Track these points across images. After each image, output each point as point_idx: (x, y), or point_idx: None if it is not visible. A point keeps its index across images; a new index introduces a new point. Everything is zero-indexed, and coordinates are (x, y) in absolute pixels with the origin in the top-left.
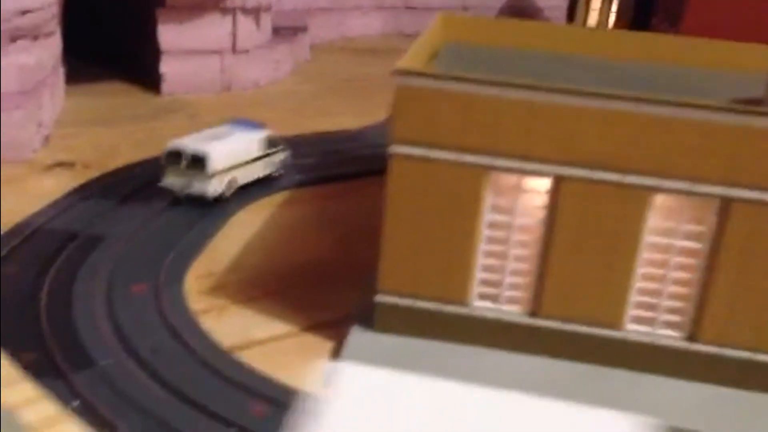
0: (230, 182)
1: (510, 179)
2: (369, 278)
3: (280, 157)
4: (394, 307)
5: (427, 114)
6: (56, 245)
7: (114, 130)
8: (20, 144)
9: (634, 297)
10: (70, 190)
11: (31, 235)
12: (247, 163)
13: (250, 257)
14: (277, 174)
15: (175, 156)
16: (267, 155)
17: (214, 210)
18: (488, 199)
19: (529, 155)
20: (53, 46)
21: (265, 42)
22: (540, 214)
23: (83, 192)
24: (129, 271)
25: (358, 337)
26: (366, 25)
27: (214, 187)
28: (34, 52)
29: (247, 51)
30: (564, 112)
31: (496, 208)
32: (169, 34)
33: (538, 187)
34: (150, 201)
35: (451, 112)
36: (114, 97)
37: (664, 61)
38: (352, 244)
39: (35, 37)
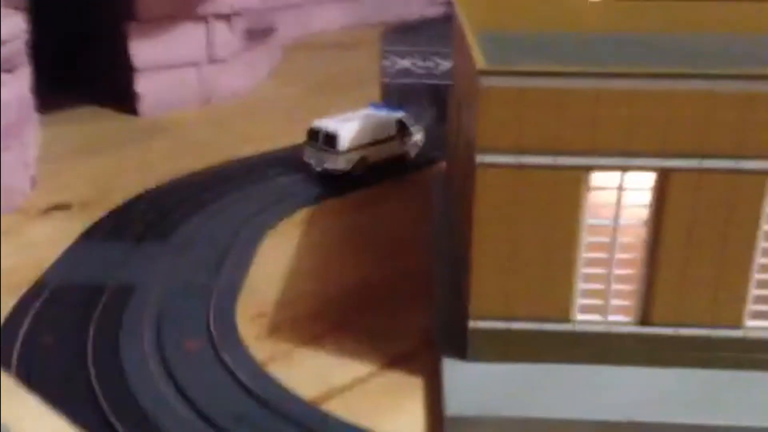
0: (361, 160)
1: (611, 178)
2: (438, 298)
3: (414, 138)
4: (489, 333)
5: (516, 116)
6: (85, 303)
7: (101, 161)
8: (11, 191)
9: (753, 291)
10: (77, 236)
11: (53, 294)
12: (379, 143)
13: (296, 287)
14: (412, 155)
15: (314, 135)
16: (400, 136)
17: (239, 239)
18: (588, 202)
19: (631, 150)
20: (28, 76)
21: (240, 48)
22: (645, 213)
23: (92, 237)
24: (174, 324)
25: (453, 370)
26: (328, 18)
27: (344, 164)
28: (13, 86)
29: (224, 60)
30: (667, 98)
31: (597, 211)
32: (142, 50)
33: (642, 184)
34: (167, 238)
35: (543, 111)
36: (89, 123)
37: (697, 29)
38: (396, 258)
39: (10, 70)
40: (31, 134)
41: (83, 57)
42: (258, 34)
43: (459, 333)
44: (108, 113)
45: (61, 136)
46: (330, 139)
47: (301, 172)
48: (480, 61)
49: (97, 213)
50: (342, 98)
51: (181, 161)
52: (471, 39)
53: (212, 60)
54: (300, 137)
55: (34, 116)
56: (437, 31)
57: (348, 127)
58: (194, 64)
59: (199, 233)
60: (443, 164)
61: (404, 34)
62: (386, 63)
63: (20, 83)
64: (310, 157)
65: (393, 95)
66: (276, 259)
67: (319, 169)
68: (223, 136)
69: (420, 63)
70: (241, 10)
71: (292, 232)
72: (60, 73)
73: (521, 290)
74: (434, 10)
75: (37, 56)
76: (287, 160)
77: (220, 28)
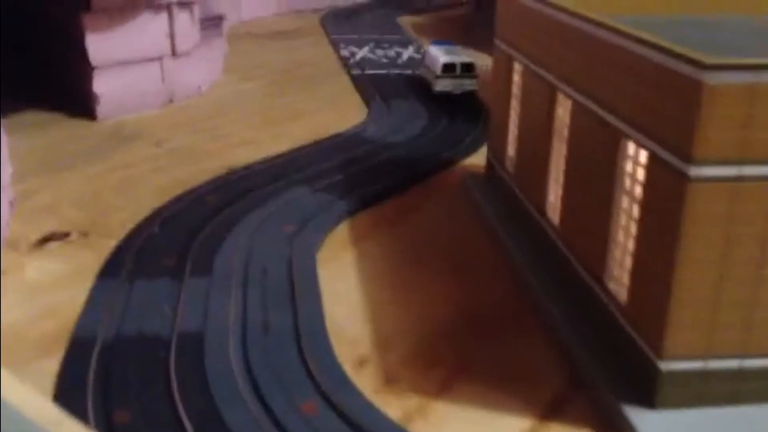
0: (476, 83)
1: None
2: (563, 328)
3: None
4: (683, 374)
5: (743, 119)
6: (151, 362)
7: (78, 176)
8: None
9: None
10: (94, 274)
11: (105, 354)
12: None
13: (383, 322)
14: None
15: (450, 67)
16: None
17: (292, 267)
18: None
19: None
20: None
21: (199, 39)
22: None
23: (114, 274)
24: (273, 379)
25: (644, 422)
26: (260, 6)
27: (477, 85)
28: None
29: (187, 53)
30: None
31: None
32: (99, 45)
33: None
34: (207, 270)
35: None
36: (49, 129)
37: None
38: (473, 278)
39: None
40: (3, 150)
41: (30, 54)
42: (209, 24)
43: (617, 371)
44: (62, 118)
45: (20, 148)
46: (468, 67)
47: (312, 181)
48: (697, 54)
49: (105, 242)
50: (311, 92)
51: (173, 172)
52: (618, 25)
53: (175, 53)
54: (292, 137)
55: (2, 128)
56: (376, 18)
57: (471, 58)
58: (157, 58)
59: (242, 261)
60: (465, 164)
61: (345, 20)
62: (344, 53)
63: None
64: (448, 86)
65: (369, 88)
66: (344, 290)
67: (458, 92)
68: (207, 142)
69: (379, 52)
70: None
71: (343, 254)
72: (3, 72)
73: (726, 322)
74: None
75: None
76: (291, 168)
77: (182, 18)
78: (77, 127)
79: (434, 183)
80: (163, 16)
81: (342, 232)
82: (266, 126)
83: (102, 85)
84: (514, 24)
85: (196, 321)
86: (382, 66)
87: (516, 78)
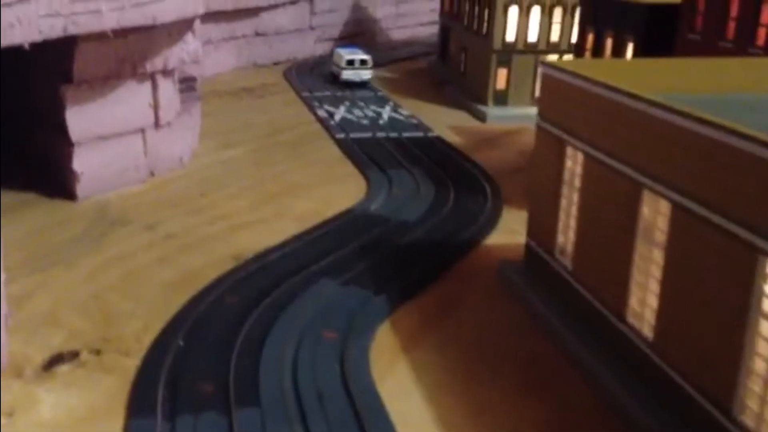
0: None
1: None
2: None
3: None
4: None
5: None
6: None
7: (75, 272)
8: None
9: None
10: (124, 408)
11: None
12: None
13: None
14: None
15: (351, 62)
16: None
17: (349, 392)
18: None
19: None
20: None
21: (179, 107)
22: None
23: (148, 409)
24: None
25: None
26: (220, 61)
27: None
28: None
29: (169, 123)
30: None
31: None
32: (79, 119)
33: None
34: (258, 401)
35: None
36: (28, 213)
37: None
38: (546, 394)
39: None
40: None
41: (8, 131)
42: (184, 87)
43: None
44: (39, 199)
45: (7, 236)
46: (364, 62)
47: (335, 273)
48: None
49: (123, 362)
50: (300, 160)
51: (177, 263)
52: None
53: (158, 124)
54: (299, 220)
55: None
56: None
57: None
58: (139, 130)
59: (291, 383)
60: (488, 244)
61: (308, 74)
62: (321, 113)
63: None
64: (350, 75)
65: (360, 155)
66: (412, 412)
67: (358, 80)
68: (205, 224)
69: (357, 112)
70: (196, 58)
71: (397, 365)
72: None
73: None
74: (323, 48)
75: None
76: (307, 257)
77: (166, 86)
78: (58, 209)
79: (465, 269)
80: (147, 86)
81: (386, 334)
82: (264, 203)
83: (82, 162)
84: (565, 106)
85: None
86: (364, 128)
87: (571, 164)
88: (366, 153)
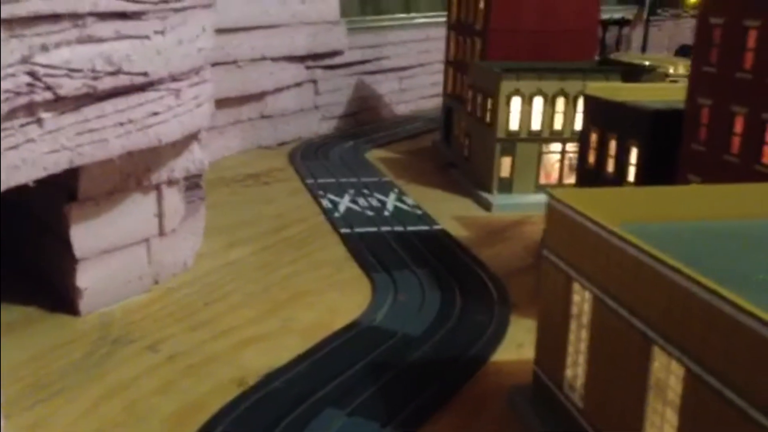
0: None
1: None
2: None
3: None
4: None
5: None
6: None
7: (78, 404)
8: None
9: None
10: None
11: None
12: None
13: None
14: None
15: None
16: None
17: None
18: None
19: None
20: None
21: (184, 213)
22: None
23: None
24: None
25: None
26: (225, 144)
27: None
28: None
29: (173, 230)
30: None
31: None
32: (84, 236)
33: None
34: None
35: None
36: (30, 333)
37: None
38: None
39: None
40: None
41: (13, 246)
42: (190, 185)
43: None
44: (41, 315)
45: (5, 362)
46: None
47: (341, 400)
48: None
49: None
50: (306, 261)
51: (180, 391)
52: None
53: (163, 233)
54: (296, 336)
55: None
56: (345, 154)
57: None
58: (143, 241)
59: None
60: (496, 362)
61: (314, 157)
62: (326, 203)
63: None
64: None
65: (364, 253)
66: None
67: None
68: (209, 341)
69: (361, 201)
70: (201, 168)
71: None
72: None
73: None
74: (327, 126)
75: None
76: (313, 381)
77: (171, 196)
78: (60, 326)
79: (474, 394)
80: (152, 196)
81: None
82: (270, 313)
83: (85, 278)
84: (572, 242)
85: None
86: (369, 221)
87: (578, 300)
88: (371, 250)
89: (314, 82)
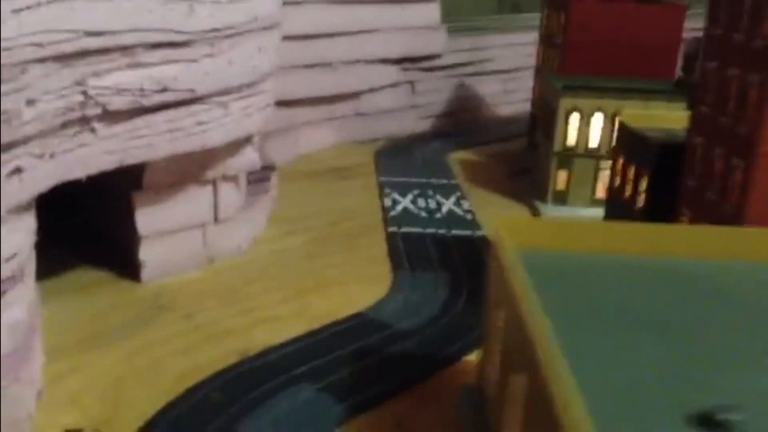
0: None
1: None
2: None
3: None
4: None
5: None
6: None
7: (110, 355)
8: (16, 422)
9: None
10: None
11: None
12: None
13: None
14: None
15: None
16: None
17: None
18: None
19: None
20: (32, 287)
21: (243, 203)
22: None
23: None
24: None
25: None
26: (319, 139)
27: None
28: (23, 299)
29: (229, 218)
30: None
31: None
32: (147, 218)
33: None
34: None
35: None
36: (95, 294)
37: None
38: None
39: (17, 281)
40: (36, 343)
41: (90, 223)
42: (257, 178)
43: None
44: (110, 279)
45: (67, 314)
46: None
47: (316, 377)
48: None
49: None
50: (347, 255)
51: (196, 354)
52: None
53: (218, 220)
54: (306, 320)
55: (38, 321)
56: (428, 154)
57: None
58: (200, 226)
59: None
60: (467, 366)
61: (396, 156)
62: (387, 201)
63: (30, 293)
64: None
65: (400, 252)
66: None
67: None
68: (233, 316)
69: (420, 202)
70: (253, 166)
71: None
72: (67, 235)
73: None
74: (423, 125)
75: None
76: (300, 359)
77: (227, 189)
78: (122, 291)
79: (435, 386)
80: (209, 189)
81: None
82: (293, 298)
83: (147, 252)
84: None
85: None
86: (419, 222)
87: (497, 316)
88: (407, 251)
89: (411, 83)
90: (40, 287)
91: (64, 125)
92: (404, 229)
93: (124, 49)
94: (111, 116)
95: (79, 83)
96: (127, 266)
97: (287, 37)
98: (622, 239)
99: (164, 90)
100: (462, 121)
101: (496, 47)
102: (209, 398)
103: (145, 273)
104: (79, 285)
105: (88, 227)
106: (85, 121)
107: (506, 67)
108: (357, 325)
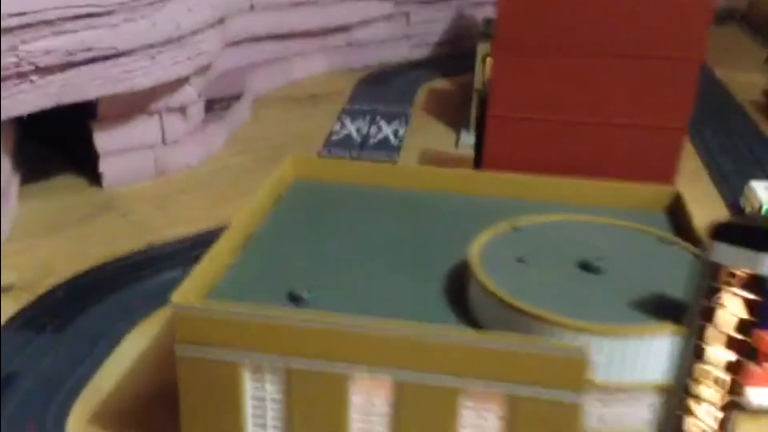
0: None
1: None
2: None
3: None
4: None
5: None
6: None
7: (53, 241)
8: None
9: None
10: (6, 321)
11: None
12: None
13: None
14: None
15: None
16: None
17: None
18: None
19: None
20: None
21: (194, 128)
22: None
23: (14, 323)
24: None
25: None
26: (311, 66)
27: None
28: None
29: (176, 141)
30: None
31: None
32: (103, 140)
33: None
34: (65, 327)
35: None
36: (64, 195)
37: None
38: None
39: None
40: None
41: (64, 141)
42: (220, 106)
43: None
44: (79, 185)
45: (36, 211)
46: None
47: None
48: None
49: (28, 298)
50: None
51: (117, 244)
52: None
53: (165, 142)
54: (206, 222)
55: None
56: (407, 81)
57: None
58: (150, 146)
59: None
60: None
61: (375, 84)
62: (336, 127)
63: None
64: None
65: None
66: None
67: None
68: (160, 217)
69: (363, 129)
70: (196, 99)
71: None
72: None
73: None
74: (419, 52)
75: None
76: (169, 257)
77: (171, 118)
78: (85, 195)
79: None
80: (155, 118)
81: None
82: (213, 205)
83: (105, 166)
84: None
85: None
86: (348, 146)
87: None
88: None
89: (406, 14)
90: (25, 190)
91: (7, 78)
92: (333, 152)
93: (48, 22)
94: (44, 70)
95: (12, 49)
96: (92, 176)
97: None
98: (383, 176)
99: (89, 49)
100: (456, 49)
101: None
102: (105, 272)
103: (105, 181)
104: (54, 189)
105: (72, 149)
106: (23, 75)
107: None
108: None
